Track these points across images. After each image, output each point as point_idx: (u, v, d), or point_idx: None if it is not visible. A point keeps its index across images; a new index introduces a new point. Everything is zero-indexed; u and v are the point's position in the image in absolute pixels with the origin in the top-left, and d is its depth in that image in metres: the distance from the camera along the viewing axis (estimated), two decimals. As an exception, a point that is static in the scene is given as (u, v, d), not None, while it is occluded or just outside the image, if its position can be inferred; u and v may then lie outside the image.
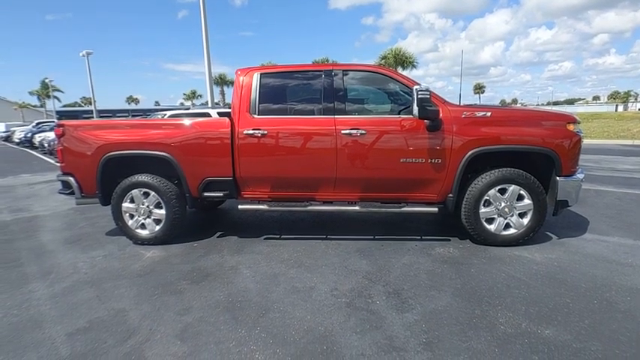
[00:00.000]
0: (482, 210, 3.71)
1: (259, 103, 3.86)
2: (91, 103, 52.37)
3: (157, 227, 4.00)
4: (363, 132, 3.68)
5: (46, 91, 52.37)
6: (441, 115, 3.65)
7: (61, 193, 4.17)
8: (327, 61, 34.06)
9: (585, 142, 4.72)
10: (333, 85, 3.82)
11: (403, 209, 3.80)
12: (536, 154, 3.66)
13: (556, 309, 2.55)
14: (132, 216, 4.02)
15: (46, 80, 51.38)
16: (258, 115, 3.84)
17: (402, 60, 25.91)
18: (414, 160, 3.68)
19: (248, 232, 4.38)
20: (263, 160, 3.83)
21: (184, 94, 58.95)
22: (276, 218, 4.97)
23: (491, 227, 3.74)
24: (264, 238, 4.17)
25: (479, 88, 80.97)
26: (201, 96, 58.26)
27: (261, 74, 3.93)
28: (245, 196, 4.01)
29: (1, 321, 2.60)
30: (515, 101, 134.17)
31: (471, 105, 4.51)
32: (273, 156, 3.81)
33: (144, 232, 4.02)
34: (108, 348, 2.27)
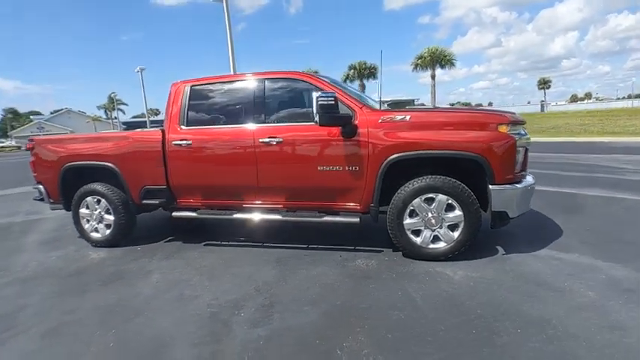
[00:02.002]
0: (408, 221, 3.43)
1: (188, 115, 4.00)
2: (156, 114, 57.65)
3: (108, 231, 4.33)
4: (280, 140, 3.62)
5: (112, 104, 58.67)
6: (356, 120, 3.46)
7: (35, 200, 4.72)
8: (364, 64, 33.56)
9: None
10: (254, 94, 3.83)
11: (324, 219, 3.66)
12: (466, 161, 3.29)
13: (420, 336, 2.28)
14: (88, 221, 4.39)
15: (112, 95, 57.66)
16: (187, 126, 3.98)
17: (440, 58, 24.57)
18: (330, 168, 3.53)
19: (197, 237, 4.52)
20: (191, 170, 3.96)
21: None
22: (230, 224, 4.95)
23: (418, 240, 3.43)
24: (204, 245, 4.28)
25: (543, 83, 73.63)
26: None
27: (190, 86, 4.06)
28: (181, 203, 4.17)
29: None
30: (588, 95, 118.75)
31: (412, 108, 4.19)
32: (199, 165, 3.92)
33: (97, 236, 4.37)
34: None
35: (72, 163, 4.30)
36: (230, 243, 4.27)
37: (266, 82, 3.84)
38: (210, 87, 4.05)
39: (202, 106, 4.03)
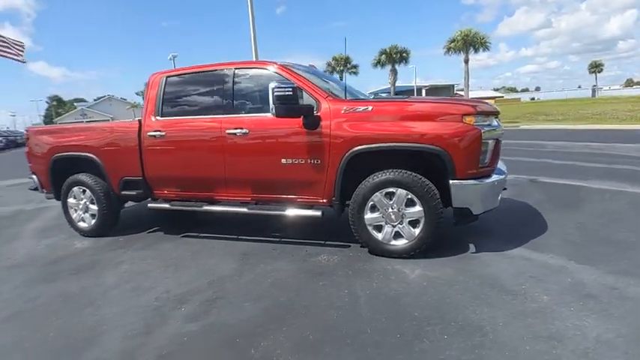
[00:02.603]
0: (368, 216, 3.32)
1: (163, 106, 4.05)
2: None
3: (93, 221, 4.51)
4: (246, 132, 3.59)
5: None
6: (319, 111, 3.36)
7: (30, 189, 4.99)
8: (396, 48, 32.52)
9: None
10: (223, 84, 3.80)
11: (287, 213, 3.61)
12: (428, 154, 3.12)
13: (341, 338, 2.20)
14: (75, 210, 4.60)
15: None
16: (162, 117, 4.03)
17: (473, 41, 23.28)
18: (293, 160, 3.46)
19: (179, 229, 4.61)
20: (164, 161, 4.02)
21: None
22: (214, 217, 4.98)
23: (379, 235, 3.32)
24: (182, 236, 4.36)
25: (595, 67, 68.37)
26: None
27: (166, 77, 4.10)
28: (157, 195, 4.26)
29: None
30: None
31: (378, 98, 4.01)
32: (171, 157, 3.97)
33: (84, 225, 4.57)
34: None
35: (60, 153, 4.49)
36: (207, 235, 4.33)
37: (235, 71, 3.80)
38: (184, 78, 4.07)
39: (176, 97, 4.06)
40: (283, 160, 3.49)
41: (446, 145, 2.99)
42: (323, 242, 3.82)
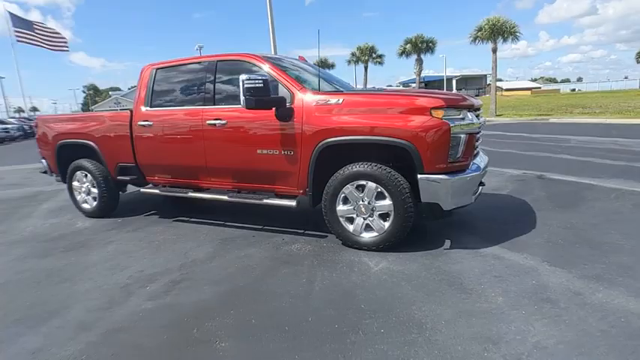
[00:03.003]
0: (340, 207, 3.31)
1: (152, 96, 4.19)
2: None
3: (95, 203, 4.77)
4: (224, 123, 3.66)
5: None
6: (292, 103, 3.37)
7: (40, 172, 5.32)
8: (422, 38, 31.59)
9: None
10: (205, 76, 3.88)
11: (264, 201, 3.67)
12: (396, 148, 3.05)
13: (281, 326, 2.24)
14: (79, 193, 4.88)
15: None
16: (151, 107, 4.17)
17: (502, 30, 22.00)
18: (269, 151, 3.50)
19: (174, 213, 4.80)
20: (152, 149, 4.17)
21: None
22: (204, 203, 5.02)
23: (350, 227, 3.32)
24: (173, 220, 4.54)
25: None
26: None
27: (156, 69, 4.23)
28: (149, 180, 4.44)
29: None
30: None
31: (351, 90, 3.92)
32: (158, 145, 4.12)
33: (87, 207, 4.85)
34: None
35: (63, 140, 4.77)
36: (197, 220, 4.48)
37: (217, 64, 3.86)
38: (172, 70, 4.18)
39: (164, 88, 4.18)
40: (259, 151, 3.54)
41: (413, 138, 2.92)
42: (302, 232, 3.87)
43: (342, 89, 4.04)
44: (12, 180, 8.33)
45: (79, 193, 4.87)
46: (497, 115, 21.74)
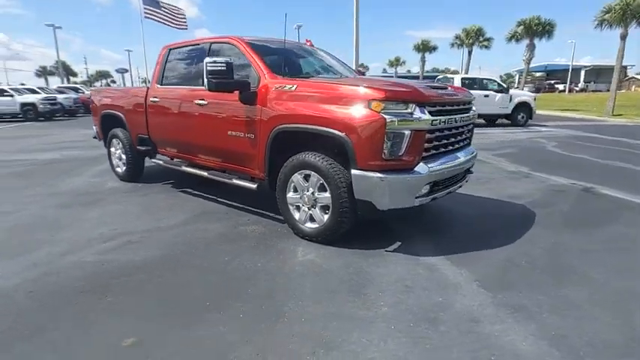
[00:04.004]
0: (290, 195, 3.35)
1: (163, 75, 4.63)
2: None
3: (124, 168, 5.52)
4: (206, 103, 3.91)
5: None
6: (257, 87, 3.45)
7: (93, 137, 6.28)
8: (537, 20, 28.20)
9: None
10: (199, 57, 4.14)
11: (232, 181, 3.86)
12: (337, 139, 2.94)
13: (160, 297, 2.45)
14: (114, 158, 5.67)
15: None
16: (161, 85, 4.62)
17: (638, 11, 18.09)
18: (236, 133, 3.67)
19: (183, 185, 5.29)
20: (159, 124, 4.65)
21: (389, 60, 60.29)
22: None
23: (297, 216, 3.34)
24: (180, 190, 5.01)
25: None
26: (404, 62, 58.42)
27: (169, 49, 4.64)
28: (160, 152, 4.95)
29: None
30: None
31: (306, 78, 3.75)
32: (163, 120, 4.57)
33: (119, 170, 5.62)
34: None
35: (104, 111, 5.56)
36: (197, 193, 4.87)
37: (211, 46, 4.10)
38: (179, 50, 4.55)
39: (173, 68, 4.59)
40: (229, 132, 3.72)
41: (347, 131, 2.80)
42: (274, 215, 3.98)
43: (334, 75, 3.97)
44: (90, 143, 9.91)
45: (114, 158, 5.66)
46: (613, 115, 18.32)
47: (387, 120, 2.68)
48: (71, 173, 6.17)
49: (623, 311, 2.24)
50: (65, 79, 42.03)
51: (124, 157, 5.42)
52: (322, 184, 3.08)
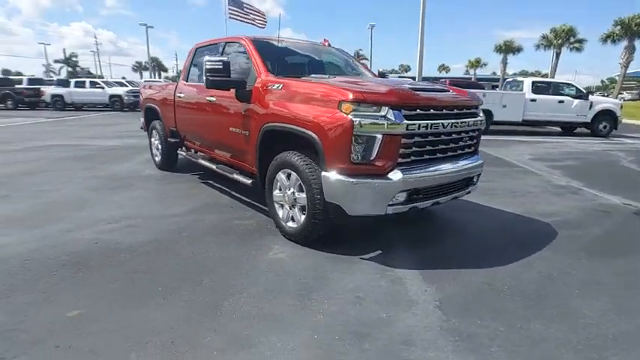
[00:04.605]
0: (276, 192, 3.38)
1: (189, 72, 4.93)
2: (406, 71, 59.91)
3: (160, 157, 5.99)
4: (214, 99, 4.09)
5: (358, 58, 64.37)
6: (252, 85, 3.52)
7: (140, 128, 6.89)
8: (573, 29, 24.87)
9: None
10: (217, 55, 4.33)
11: (232, 176, 3.98)
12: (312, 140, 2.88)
13: (140, 275, 2.62)
14: (153, 148, 6.18)
15: (358, 50, 63.06)
16: (187, 81, 4.93)
17: None
18: (235, 129, 3.78)
19: (208, 175, 5.59)
20: (183, 118, 4.97)
21: (469, 61, 56.84)
22: None
23: (281, 214, 3.35)
24: (202, 182, 5.30)
25: None
26: (486, 64, 54.62)
27: (196, 48, 4.93)
28: (188, 145, 5.28)
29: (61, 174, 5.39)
30: None
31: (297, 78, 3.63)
32: (186, 115, 4.87)
33: (157, 159, 6.11)
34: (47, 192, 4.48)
35: (146, 104, 6.10)
36: (217, 185, 5.11)
37: (225, 45, 4.28)
38: (203, 49, 4.81)
39: (197, 65, 4.86)
40: (230, 128, 3.85)
41: (318, 132, 2.74)
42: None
43: (337, 75, 3.92)
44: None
45: (154, 148, 6.17)
46: None
47: (355, 122, 2.56)
48: (122, 159, 6.85)
49: None
50: (156, 74, 46.61)
51: (160, 147, 5.88)
52: (300, 184, 3.05)
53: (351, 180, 2.65)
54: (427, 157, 2.89)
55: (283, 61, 3.90)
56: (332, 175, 2.72)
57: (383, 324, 2.12)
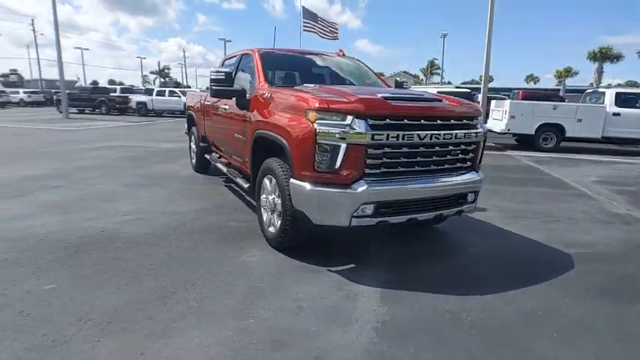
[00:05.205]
0: (262, 197, 3.46)
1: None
2: (489, 81, 57.00)
3: (194, 160, 6.46)
4: (227, 107, 4.33)
5: (431, 69, 62.26)
6: (251, 94, 3.68)
7: (185, 133, 7.48)
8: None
9: None
10: (235, 66, 4.59)
11: (236, 179, 4.16)
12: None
13: (119, 267, 2.88)
14: (191, 151, 6.69)
15: (433, 60, 60.88)
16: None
17: None
18: (238, 135, 3.97)
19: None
20: (208, 124, 5.32)
21: (556, 71, 51.48)
22: None
23: (265, 218, 3.42)
24: (226, 185, 5.60)
25: None
26: (577, 73, 49.11)
27: (224, 59, 5.27)
28: (213, 149, 5.63)
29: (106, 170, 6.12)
30: None
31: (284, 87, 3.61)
32: (210, 121, 5.21)
33: (193, 162, 6.60)
34: (83, 180, 5.15)
35: (187, 111, 6.65)
36: (236, 189, 5.35)
37: (242, 56, 4.52)
38: (228, 60, 5.12)
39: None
40: (235, 135, 4.04)
41: (287, 139, 2.78)
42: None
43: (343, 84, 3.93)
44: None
45: (192, 151, 6.68)
46: None
47: (319, 130, 2.55)
48: (169, 161, 7.51)
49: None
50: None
51: (195, 150, 6.36)
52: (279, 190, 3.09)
53: (314, 188, 2.63)
54: (402, 169, 2.74)
55: (287, 71, 4.02)
56: (298, 182, 2.72)
57: (307, 337, 2.05)
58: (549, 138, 11.16)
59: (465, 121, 2.94)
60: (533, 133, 11.02)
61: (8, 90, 32.62)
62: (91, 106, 23.07)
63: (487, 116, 13.62)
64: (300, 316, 2.25)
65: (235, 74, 4.50)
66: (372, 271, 2.89)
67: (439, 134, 2.76)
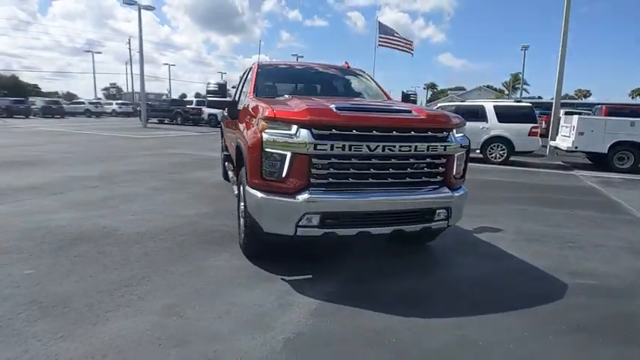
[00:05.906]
0: (241, 204, 3.57)
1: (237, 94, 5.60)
2: (585, 96, 52.71)
3: (222, 168, 6.86)
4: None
5: (514, 82, 58.07)
6: (241, 106, 3.86)
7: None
8: None
9: None
10: (243, 80, 4.85)
11: (233, 186, 4.34)
12: None
13: (111, 260, 3.19)
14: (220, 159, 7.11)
15: (516, 74, 56.65)
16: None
17: None
18: (232, 144, 4.17)
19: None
20: (225, 135, 5.63)
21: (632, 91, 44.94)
22: None
23: (240, 225, 3.53)
24: (239, 191, 5.88)
25: None
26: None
27: (244, 73, 5.57)
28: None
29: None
30: None
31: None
32: (226, 132, 5.52)
33: (221, 170, 7.02)
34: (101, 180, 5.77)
35: (220, 122, 7.09)
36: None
37: (249, 71, 4.75)
38: (245, 74, 5.40)
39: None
40: (232, 143, 4.25)
41: (244, 146, 2.87)
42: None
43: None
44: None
45: (220, 160, 7.10)
46: None
47: (264, 139, 2.60)
48: (205, 168, 8.04)
49: None
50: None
51: (221, 159, 6.76)
52: (247, 197, 3.19)
53: (260, 195, 2.67)
54: (353, 180, 2.67)
55: (283, 83, 4.15)
56: (250, 190, 2.79)
57: (214, 339, 2.09)
58: (626, 158, 9.87)
59: (430, 134, 2.77)
60: (606, 151, 9.84)
61: (103, 102, 37.56)
62: (168, 117, 25.57)
63: (557, 133, 12.46)
64: (221, 320, 2.30)
65: (242, 87, 4.75)
66: (325, 284, 2.83)
67: (393, 146, 2.64)
